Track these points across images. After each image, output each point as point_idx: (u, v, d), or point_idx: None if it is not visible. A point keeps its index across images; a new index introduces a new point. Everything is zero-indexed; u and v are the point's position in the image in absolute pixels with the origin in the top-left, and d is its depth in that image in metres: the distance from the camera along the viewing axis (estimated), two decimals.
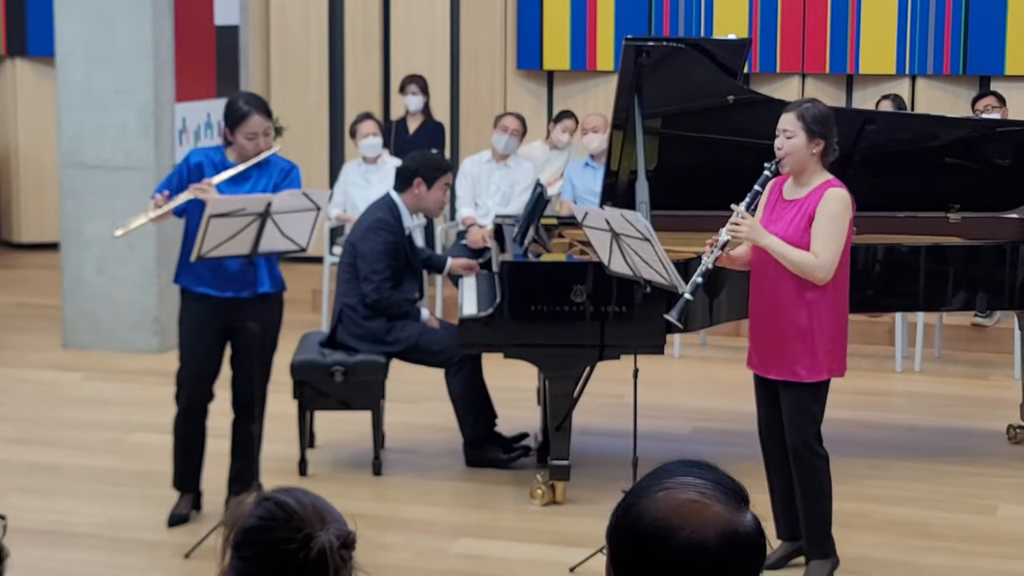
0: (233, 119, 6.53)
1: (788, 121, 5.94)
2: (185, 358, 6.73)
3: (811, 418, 6.01)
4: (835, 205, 5.89)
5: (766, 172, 5.98)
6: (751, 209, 6.00)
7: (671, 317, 6.00)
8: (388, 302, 7.51)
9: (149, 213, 6.55)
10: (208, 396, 6.75)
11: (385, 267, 7.51)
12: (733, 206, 5.98)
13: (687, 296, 5.96)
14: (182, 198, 6.45)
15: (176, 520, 6.75)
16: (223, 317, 6.61)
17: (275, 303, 6.71)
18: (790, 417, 6.01)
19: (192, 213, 6.44)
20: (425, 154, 8.05)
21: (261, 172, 6.59)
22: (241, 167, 6.53)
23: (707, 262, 5.94)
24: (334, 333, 7.60)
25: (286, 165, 6.67)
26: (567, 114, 11.18)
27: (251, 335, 6.52)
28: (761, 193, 6.02)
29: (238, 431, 6.77)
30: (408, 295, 7.65)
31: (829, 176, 5.98)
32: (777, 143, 5.95)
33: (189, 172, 6.58)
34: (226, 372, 6.76)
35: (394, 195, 7.67)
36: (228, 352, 6.75)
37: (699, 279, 5.96)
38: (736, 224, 5.89)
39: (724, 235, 5.92)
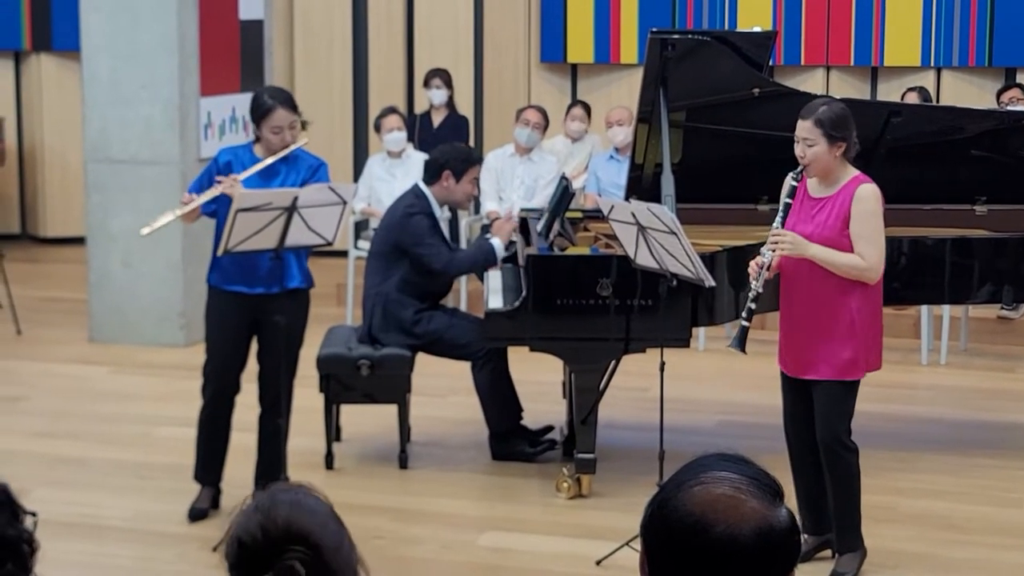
0: (258, 113, 6.55)
1: (806, 129, 5.87)
2: (212, 352, 6.75)
3: (844, 414, 6.01)
4: (869, 203, 5.87)
5: (791, 183, 5.93)
6: (783, 222, 5.96)
7: (734, 348, 5.99)
8: (455, 263, 7.59)
9: (176, 211, 6.58)
10: (235, 389, 6.78)
11: (436, 240, 7.55)
12: (773, 228, 5.94)
13: (744, 323, 5.96)
14: (209, 195, 6.48)
15: (197, 515, 6.77)
16: (251, 312, 6.63)
17: (303, 299, 6.73)
18: (824, 413, 6.00)
19: (222, 211, 6.46)
20: (454, 146, 8.03)
21: (290, 168, 6.61)
22: (268, 161, 6.55)
23: (756, 287, 5.90)
24: (370, 327, 7.61)
25: (314, 162, 6.68)
26: (575, 103, 11.19)
27: (278, 330, 6.54)
28: (790, 205, 5.98)
29: (265, 426, 6.79)
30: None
31: (856, 171, 5.96)
32: (798, 151, 5.90)
33: (219, 171, 6.60)
34: (253, 367, 6.78)
35: (423, 187, 7.69)
36: (255, 347, 6.78)
37: (752, 305, 5.94)
38: (777, 242, 5.87)
39: (768, 255, 5.89)
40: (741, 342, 5.97)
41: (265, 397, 6.75)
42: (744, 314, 5.98)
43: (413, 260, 7.55)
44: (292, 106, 6.60)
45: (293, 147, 6.59)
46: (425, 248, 7.53)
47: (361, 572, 2.27)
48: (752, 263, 5.98)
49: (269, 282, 6.57)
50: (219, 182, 6.46)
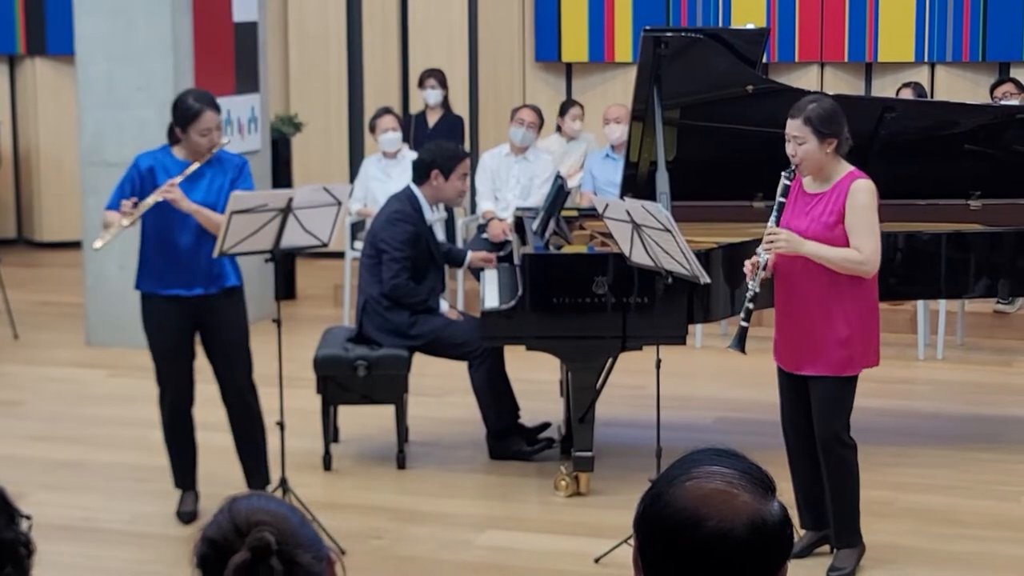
0: (186, 118, 6.55)
1: (796, 127, 5.88)
2: (161, 360, 6.74)
3: (842, 410, 6.01)
4: (864, 196, 5.87)
5: (784, 182, 5.93)
6: (777, 220, 5.96)
7: (733, 348, 5.99)
8: (405, 290, 7.51)
9: (123, 221, 6.53)
10: (192, 389, 6.78)
11: (403, 256, 7.52)
12: (768, 227, 5.93)
13: (743, 324, 5.95)
14: (150, 202, 6.47)
15: (188, 518, 6.76)
16: (191, 314, 6.64)
17: (239, 297, 6.74)
18: (821, 409, 6.00)
19: (147, 219, 6.50)
20: (441, 144, 8.02)
21: (215, 169, 6.62)
22: (196, 165, 6.54)
23: (754, 287, 5.90)
24: (361, 327, 7.61)
25: (239, 161, 6.73)
26: (572, 103, 11.15)
27: (222, 331, 6.62)
28: (784, 204, 5.98)
29: (236, 428, 6.80)
30: (431, 288, 7.65)
31: (850, 167, 5.96)
32: (789, 150, 5.91)
33: (141, 177, 6.61)
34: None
35: (414, 188, 7.69)
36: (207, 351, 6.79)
37: (750, 305, 5.93)
38: (772, 241, 5.87)
39: (764, 256, 5.90)
40: (740, 343, 5.96)
41: (227, 397, 6.76)
42: (742, 315, 5.97)
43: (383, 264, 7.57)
44: (216, 107, 6.63)
45: (217, 148, 6.60)
46: (389, 256, 7.53)
47: (338, 566, 2.30)
48: (748, 263, 5.97)
49: (207, 283, 6.60)
50: (162, 190, 6.46)
